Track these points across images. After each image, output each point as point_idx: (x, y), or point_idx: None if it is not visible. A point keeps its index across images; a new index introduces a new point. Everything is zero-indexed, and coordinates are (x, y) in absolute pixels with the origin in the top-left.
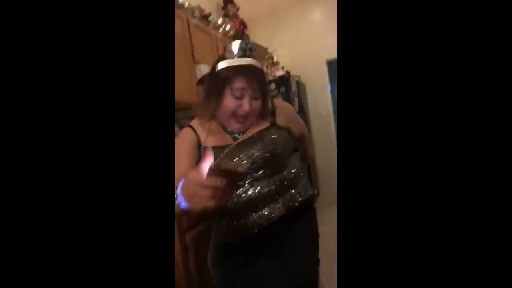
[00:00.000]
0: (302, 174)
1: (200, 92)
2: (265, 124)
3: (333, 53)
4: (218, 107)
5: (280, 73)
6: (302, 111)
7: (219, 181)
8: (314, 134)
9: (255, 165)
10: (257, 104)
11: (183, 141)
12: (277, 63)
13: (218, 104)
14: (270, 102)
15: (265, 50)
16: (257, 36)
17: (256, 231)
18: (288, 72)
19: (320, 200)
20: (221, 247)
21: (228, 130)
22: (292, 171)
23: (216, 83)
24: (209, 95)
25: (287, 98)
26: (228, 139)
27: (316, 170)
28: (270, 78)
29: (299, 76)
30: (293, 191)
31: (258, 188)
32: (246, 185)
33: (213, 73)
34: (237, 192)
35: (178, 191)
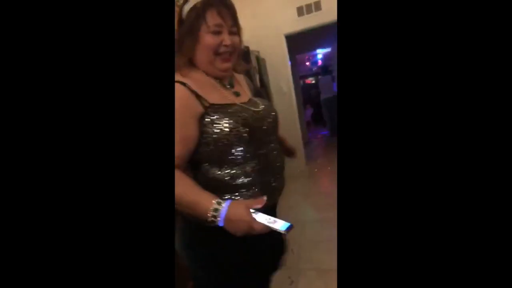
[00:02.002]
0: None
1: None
2: (249, 87)
3: (292, 28)
4: (198, 50)
5: None
6: (263, 86)
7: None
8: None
9: (271, 125)
10: (236, 39)
11: (178, 99)
12: None
13: (196, 47)
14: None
15: None
16: None
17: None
18: (247, 47)
19: (285, 173)
20: (201, 229)
21: (222, 83)
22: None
23: (188, 26)
24: (183, 42)
25: (247, 73)
26: (228, 95)
27: None
28: None
29: (258, 51)
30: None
31: (274, 155)
32: (268, 147)
33: (181, 20)
34: (258, 156)
35: (223, 212)
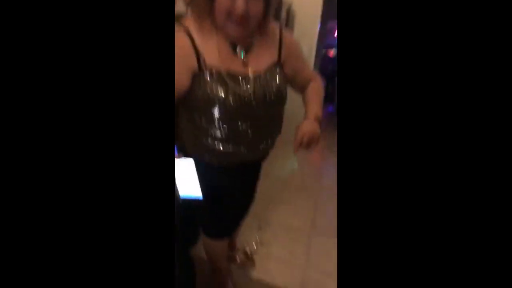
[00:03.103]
0: (278, 129)
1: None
2: (272, 57)
3: None
4: (214, 10)
5: None
6: None
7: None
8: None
9: (268, 103)
10: (257, 5)
11: (177, 48)
12: None
13: (212, 6)
14: (276, 29)
15: None
16: None
17: (248, 162)
18: None
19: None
20: (207, 168)
21: (231, 43)
22: (279, 118)
23: None
24: None
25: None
26: (231, 59)
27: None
28: None
29: (291, 4)
30: (273, 137)
31: (262, 127)
32: (252, 119)
33: None
34: (242, 124)
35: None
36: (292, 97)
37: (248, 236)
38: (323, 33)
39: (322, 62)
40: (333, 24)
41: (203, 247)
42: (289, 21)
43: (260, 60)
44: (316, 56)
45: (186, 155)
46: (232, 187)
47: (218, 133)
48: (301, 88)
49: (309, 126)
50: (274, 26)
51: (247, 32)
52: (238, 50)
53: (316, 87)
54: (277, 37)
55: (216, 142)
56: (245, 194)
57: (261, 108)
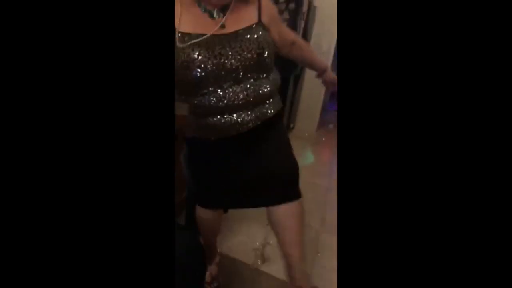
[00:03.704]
0: (277, 89)
1: None
2: (251, 18)
3: None
4: None
5: None
6: (305, 38)
7: None
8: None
9: (246, 64)
10: None
11: None
12: None
13: None
14: None
15: None
16: None
17: (235, 133)
18: None
19: (293, 134)
20: (200, 145)
21: (208, 10)
22: (270, 84)
23: None
24: None
25: (294, 18)
26: (207, 24)
27: (298, 107)
28: None
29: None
30: (267, 105)
31: (244, 91)
32: (232, 83)
33: None
34: (226, 90)
35: None
36: (306, 94)
37: (257, 232)
38: None
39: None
40: None
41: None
42: (309, 14)
43: (240, 22)
44: (334, 49)
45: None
46: (225, 157)
47: (202, 105)
48: (288, 50)
49: (331, 74)
50: None
51: (228, 1)
52: (215, 14)
53: (306, 46)
54: (256, 1)
55: (200, 116)
56: (245, 168)
57: (243, 69)
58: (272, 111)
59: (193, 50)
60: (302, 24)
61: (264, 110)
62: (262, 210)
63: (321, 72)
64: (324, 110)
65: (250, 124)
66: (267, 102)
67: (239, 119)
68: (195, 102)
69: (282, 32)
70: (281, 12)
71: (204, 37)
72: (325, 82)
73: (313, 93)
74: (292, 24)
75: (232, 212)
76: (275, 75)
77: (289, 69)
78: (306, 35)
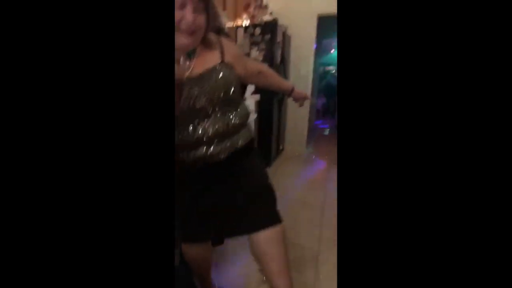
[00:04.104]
0: (245, 121)
1: None
2: (215, 59)
3: (328, 8)
4: None
5: (267, 18)
6: (283, 65)
7: None
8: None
9: (214, 102)
10: (201, 18)
11: None
12: (265, 6)
13: None
14: (216, 38)
15: None
16: None
17: (208, 164)
18: (276, 19)
19: (283, 155)
20: (180, 175)
21: (176, 58)
22: (238, 117)
23: None
24: None
25: (270, 47)
26: (178, 70)
27: (285, 128)
28: (256, 22)
29: (286, 27)
30: (236, 136)
31: (214, 126)
32: (205, 120)
33: None
34: (197, 126)
35: None
36: (291, 115)
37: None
38: (320, 51)
39: (321, 78)
40: (328, 41)
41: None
42: (285, 43)
43: (205, 65)
44: (314, 73)
45: None
46: (202, 188)
47: (177, 137)
48: (256, 80)
49: (298, 90)
50: (214, 36)
51: (194, 40)
52: (182, 59)
53: (271, 73)
54: (218, 43)
55: (180, 150)
56: (222, 197)
57: (213, 105)
58: (241, 142)
59: None
60: (279, 52)
61: (235, 141)
62: None
63: (289, 92)
64: (311, 129)
65: (222, 155)
66: (237, 133)
67: (210, 151)
68: (177, 134)
69: (247, 65)
70: (257, 43)
71: (179, 82)
72: (295, 99)
73: (297, 113)
74: (269, 53)
75: (226, 243)
76: (242, 108)
77: (271, 93)
78: (283, 62)
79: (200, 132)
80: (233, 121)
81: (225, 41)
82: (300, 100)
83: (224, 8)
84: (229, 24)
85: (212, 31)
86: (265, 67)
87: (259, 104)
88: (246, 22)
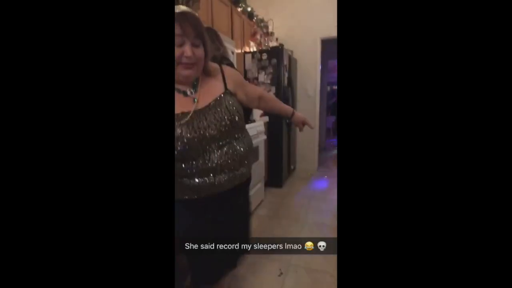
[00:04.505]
0: (251, 147)
1: None
2: (219, 88)
3: (329, 32)
4: None
5: (273, 44)
6: (290, 87)
7: None
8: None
9: (222, 131)
10: (200, 51)
11: None
12: (271, 33)
13: None
14: (217, 67)
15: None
16: (254, 3)
17: (218, 192)
18: (281, 45)
19: (295, 175)
20: (189, 204)
21: (182, 91)
22: (244, 146)
23: None
24: None
25: (278, 71)
26: (185, 103)
27: (296, 148)
28: (263, 48)
29: (292, 51)
30: (243, 167)
31: (224, 154)
32: (212, 148)
33: None
34: (208, 155)
35: None
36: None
37: (272, 282)
38: (325, 71)
39: (329, 98)
40: (333, 62)
41: None
42: (291, 67)
43: (210, 95)
44: (321, 93)
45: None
46: (213, 218)
47: (189, 169)
48: (257, 104)
49: (299, 114)
50: (215, 66)
51: (196, 71)
52: (188, 92)
53: (271, 97)
54: (220, 73)
55: (189, 178)
56: (230, 225)
57: (220, 135)
58: (247, 173)
59: (176, 127)
60: (286, 75)
61: (242, 172)
62: (273, 258)
63: (290, 116)
64: (322, 147)
65: (229, 185)
66: (244, 163)
67: (218, 180)
68: (183, 166)
69: (248, 91)
70: (265, 68)
71: (189, 116)
72: (296, 123)
73: (307, 133)
74: (276, 76)
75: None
76: (246, 135)
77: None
78: (291, 84)
79: (211, 160)
80: (240, 147)
81: (226, 69)
82: (299, 124)
83: (232, 37)
84: (237, 50)
85: (215, 60)
86: (264, 92)
87: (268, 125)
88: (253, 49)
